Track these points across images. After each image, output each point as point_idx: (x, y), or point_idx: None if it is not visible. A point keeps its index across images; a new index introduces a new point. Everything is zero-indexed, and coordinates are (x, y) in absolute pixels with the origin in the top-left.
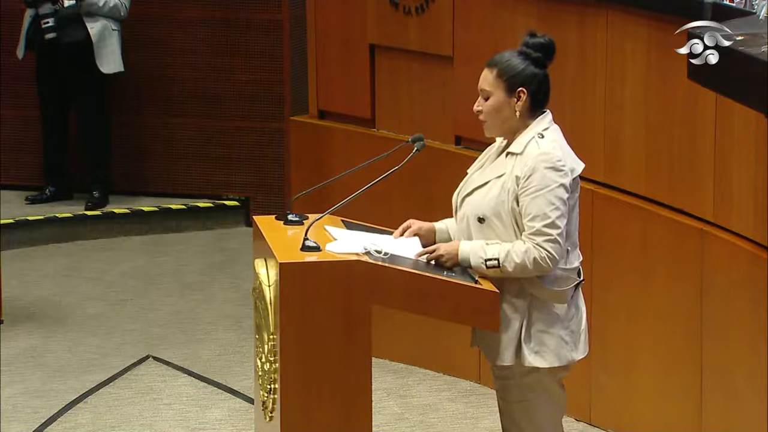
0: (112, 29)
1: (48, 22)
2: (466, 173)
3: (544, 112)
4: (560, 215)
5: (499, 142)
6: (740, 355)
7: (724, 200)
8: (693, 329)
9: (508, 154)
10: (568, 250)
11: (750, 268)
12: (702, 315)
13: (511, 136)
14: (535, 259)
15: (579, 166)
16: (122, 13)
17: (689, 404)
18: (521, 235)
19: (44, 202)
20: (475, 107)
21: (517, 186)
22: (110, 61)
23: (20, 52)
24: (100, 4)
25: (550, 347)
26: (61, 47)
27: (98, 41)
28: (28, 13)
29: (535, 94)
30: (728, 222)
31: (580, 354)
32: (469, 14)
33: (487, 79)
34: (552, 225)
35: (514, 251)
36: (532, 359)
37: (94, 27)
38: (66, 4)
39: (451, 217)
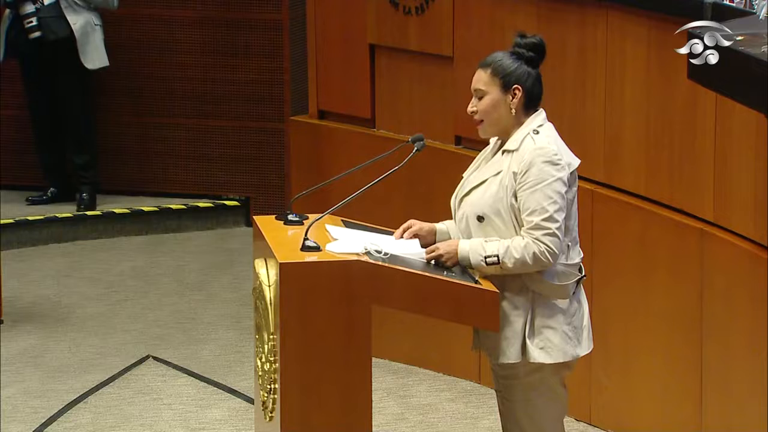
0: (95, 24)
1: (31, 22)
2: (462, 177)
3: (538, 110)
4: (558, 209)
5: (493, 143)
6: (740, 355)
7: (724, 200)
8: (693, 329)
9: (504, 152)
10: (568, 245)
11: (750, 268)
12: (702, 315)
13: (505, 135)
14: (534, 253)
15: (575, 161)
16: (115, 4)
17: (689, 404)
18: (520, 230)
19: (45, 204)
20: (470, 108)
21: (515, 182)
22: (94, 56)
23: (0, 55)
24: None
25: (555, 343)
26: (45, 45)
27: (81, 37)
28: (7, 15)
29: (530, 91)
30: (728, 222)
31: (584, 350)
32: (469, 14)
33: (481, 78)
34: (550, 219)
35: (513, 247)
36: (537, 355)
37: (77, 23)
38: (46, 2)
39: (451, 218)
